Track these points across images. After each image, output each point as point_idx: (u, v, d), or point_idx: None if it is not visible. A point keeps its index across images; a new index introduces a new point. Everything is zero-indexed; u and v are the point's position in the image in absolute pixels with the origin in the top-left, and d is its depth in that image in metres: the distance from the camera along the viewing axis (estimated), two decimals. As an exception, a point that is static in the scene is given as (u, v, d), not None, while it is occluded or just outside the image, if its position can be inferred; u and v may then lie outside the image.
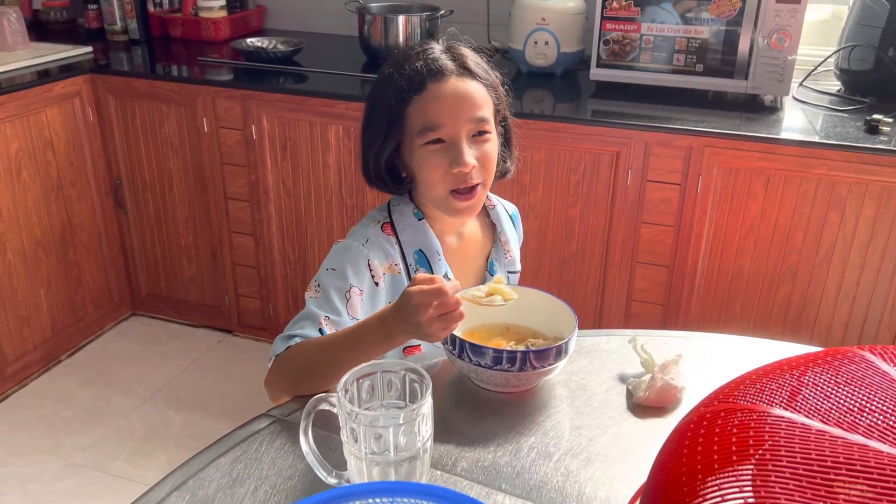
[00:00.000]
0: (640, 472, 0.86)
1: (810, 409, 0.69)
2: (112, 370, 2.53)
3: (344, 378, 0.79)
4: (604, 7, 2.12)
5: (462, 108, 1.10)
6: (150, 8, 2.80)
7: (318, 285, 1.11)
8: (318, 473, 0.83)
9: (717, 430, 0.69)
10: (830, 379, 0.73)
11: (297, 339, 1.04)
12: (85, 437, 2.23)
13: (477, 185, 1.12)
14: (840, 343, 2.00)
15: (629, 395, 1.01)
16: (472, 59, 1.14)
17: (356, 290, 1.11)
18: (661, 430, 0.95)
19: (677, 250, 2.04)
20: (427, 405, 0.77)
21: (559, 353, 0.97)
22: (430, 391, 0.78)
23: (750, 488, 0.60)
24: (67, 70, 2.41)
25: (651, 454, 0.91)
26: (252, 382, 2.45)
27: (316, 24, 2.88)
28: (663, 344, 1.07)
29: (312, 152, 2.30)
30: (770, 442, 0.65)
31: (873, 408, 0.63)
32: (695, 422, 0.71)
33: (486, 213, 1.28)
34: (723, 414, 0.70)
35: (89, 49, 2.59)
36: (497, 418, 0.97)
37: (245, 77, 2.38)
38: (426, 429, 0.78)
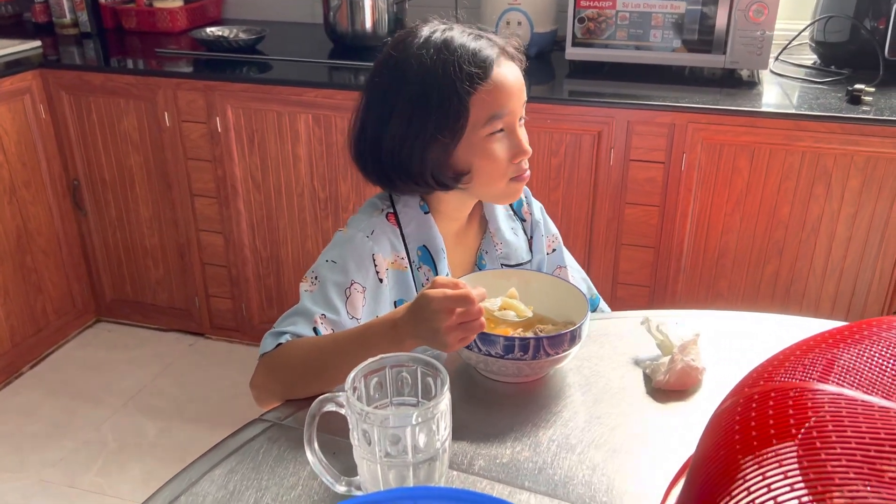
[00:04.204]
0: (669, 460, 0.81)
1: (857, 383, 0.65)
2: (78, 380, 2.41)
3: (351, 375, 0.72)
4: (578, -17, 2.06)
5: (520, 92, 1.04)
6: (102, -1, 2.67)
7: (316, 277, 1.03)
8: (325, 482, 0.76)
9: (770, 409, 0.63)
10: (873, 350, 0.68)
11: (288, 337, 0.97)
12: (53, 452, 2.11)
13: (527, 170, 1.08)
14: (829, 316, 1.98)
15: (646, 379, 0.96)
16: (509, 43, 1.06)
17: (358, 286, 1.03)
18: (684, 413, 0.90)
19: (663, 230, 2.00)
20: (445, 401, 0.71)
21: (573, 338, 0.91)
22: (447, 386, 0.71)
23: (802, 464, 0.56)
24: (15, 66, 2.28)
25: (677, 440, 0.86)
26: (228, 387, 2.36)
27: (276, 12, 2.78)
28: (674, 324, 1.02)
29: (281, 144, 2.21)
30: (816, 418, 0.61)
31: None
32: (742, 403, 0.66)
33: (480, 205, 1.20)
34: (772, 394, 0.65)
35: (38, 43, 2.45)
36: (510, 411, 0.90)
37: (207, 68, 2.27)
38: (445, 427, 0.72)
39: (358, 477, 0.76)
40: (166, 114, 2.25)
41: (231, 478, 0.81)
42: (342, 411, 0.73)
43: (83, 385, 2.39)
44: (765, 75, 2.11)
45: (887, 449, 0.56)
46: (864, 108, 1.82)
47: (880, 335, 0.70)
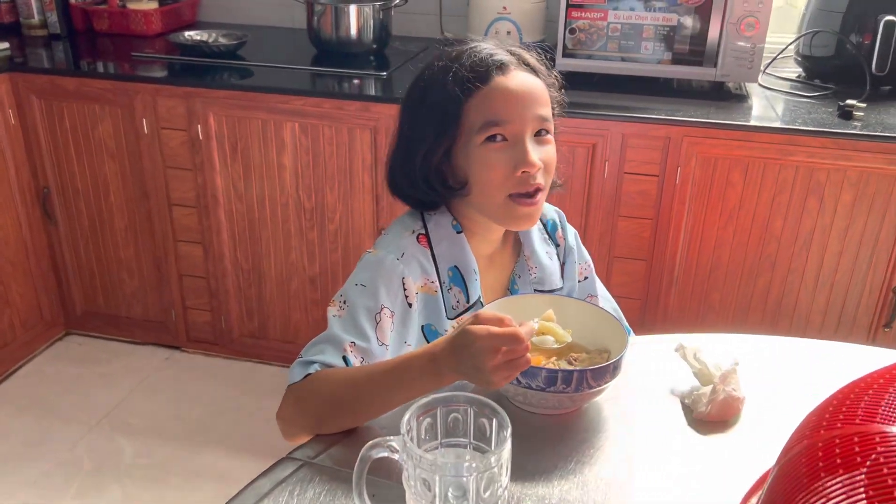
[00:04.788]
0: (722, 492, 0.79)
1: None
2: (49, 397, 2.31)
3: (405, 417, 0.68)
4: (571, -6, 2.04)
5: (528, 102, 1.00)
6: (72, -1, 2.57)
7: (345, 302, 0.99)
8: (374, 530, 0.72)
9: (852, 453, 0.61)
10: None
11: (317, 367, 0.92)
12: (26, 474, 2.01)
13: (539, 188, 1.02)
14: (819, 330, 2.00)
15: (685, 409, 0.94)
16: (532, 55, 1.05)
17: (387, 311, 0.99)
18: (728, 446, 0.88)
19: (656, 243, 2.00)
20: (508, 448, 0.67)
21: (615, 369, 0.88)
22: (509, 431, 0.67)
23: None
24: (-17, 69, 2.18)
25: (723, 473, 0.84)
26: (208, 402, 2.29)
27: (255, 16, 2.71)
28: (710, 351, 1.00)
29: (266, 152, 2.14)
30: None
31: None
32: (822, 447, 0.64)
33: None
34: (855, 437, 0.63)
35: (6, 45, 2.34)
36: (550, 446, 0.87)
37: (186, 73, 2.20)
38: (506, 473, 0.68)
39: (408, 525, 0.72)
40: (144, 120, 2.17)
41: (267, 523, 0.76)
42: (395, 457, 0.69)
43: (55, 402, 2.29)
44: (752, 88, 2.12)
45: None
46: (855, 123, 1.84)
47: None
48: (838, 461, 0.61)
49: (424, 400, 0.71)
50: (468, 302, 1.08)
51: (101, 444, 2.13)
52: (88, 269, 2.45)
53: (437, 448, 0.74)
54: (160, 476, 2.02)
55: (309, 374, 0.91)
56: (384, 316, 0.98)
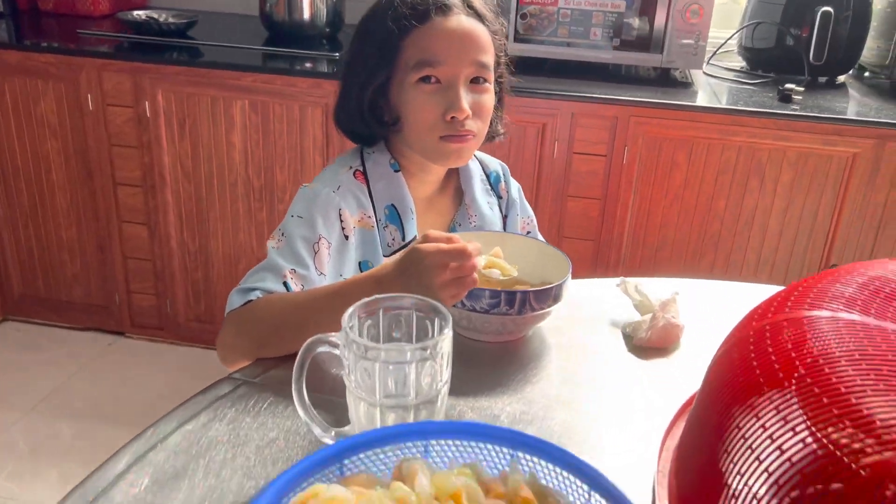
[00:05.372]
0: (662, 407, 0.80)
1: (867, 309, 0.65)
2: (-17, 381, 2.23)
3: (349, 312, 0.68)
4: (522, -22, 2.08)
5: (465, 46, 1.00)
6: (16, -22, 2.52)
7: (283, 234, 0.99)
8: (315, 433, 0.71)
9: (784, 337, 0.63)
10: (865, 280, 0.69)
11: (258, 294, 0.91)
12: (-45, 457, 1.94)
13: (469, 132, 1.02)
14: (760, 309, 2.04)
15: (626, 339, 0.95)
16: (479, 1, 1.04)
17: (325, 241, 0.99)
18: (666, 370, 0.89)
19: (603, 223, 2.03)
20: (449, 340, 0.67)
21: (558, 293, 0.89)
22: (450, 324, 0.67)
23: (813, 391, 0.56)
24: (-79, 40, 2.11)
25: (661, 394, 0.84)
26: (152, 386, 2.23)
27: (206, 2, 2.68)
28: (651, 285, 1.02)
29: (215, 130, 2.12)
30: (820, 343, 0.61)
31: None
32: (753, 336, 0.65)
33: (456, 174, 1.18)
34: (784, 323, 0.64)
35: (-55, 19, 2.28)
36: (494, 369, 0.87)
37: (136, 50, 2.17)
38: (447, 367, 0.68)
39: (348, 427, 0.71)
40: (89, 97, 2.13)
41: (204, 433, 0.74)
42: (336, 351, 0.68)
43: (-11, 387, 2.21)
44: (697, 77, 2.18)
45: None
46: (794, 106, 1.90)
47: (869, 269, 0.71)
48: (768, 342, 0.63)
49: (367, 299, 0.70)
50: (403, 240, 1.08)
51: (37, 428, 2.05)
52: (28, 250, 2.38)
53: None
54: (101, 458, 1.95)
55: (250, 300, 0.90)
56: (321, 246, 0.98)
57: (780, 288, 0.87)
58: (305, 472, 0.54)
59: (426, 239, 0.81)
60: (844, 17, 2.10)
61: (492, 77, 1.05)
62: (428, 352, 0.65)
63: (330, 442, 0.71)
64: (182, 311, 2.36)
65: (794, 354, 0.61)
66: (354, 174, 1.07)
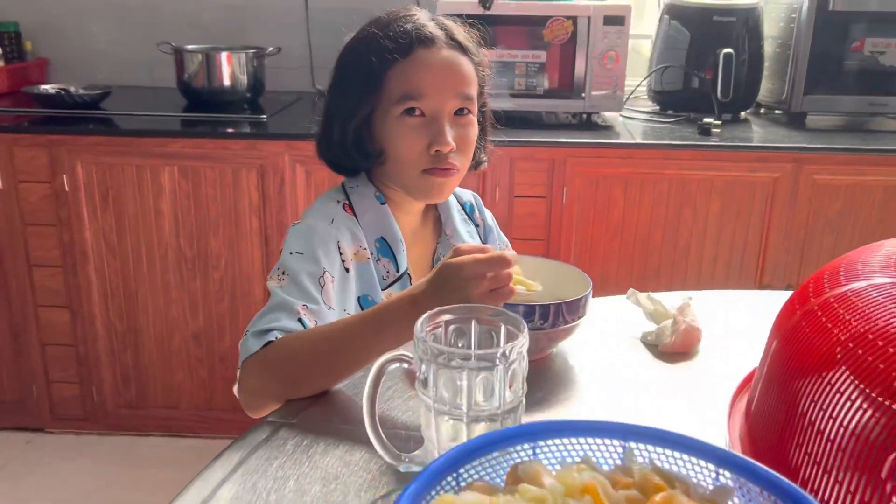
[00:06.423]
0: (707, 407, 0.80)
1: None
2: None
3: (419, 323, 0.65)
4: (446, 34, 2.13)
5: (449, 80, 0.99)
6: None
7: (284, 272, 0.93)
8: (386, 459, 0.66)
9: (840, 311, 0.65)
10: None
11: (277, 333, 0.85)
12: None
13: (454, 167, 1.02)
14: (704, 334, 2.11)
15: (649, 347, 0.95)
16: (462, 33, 1.04)
17: (329, 275, 0.95)
18: (697, 370, 0.90)
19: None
20: (526, 343, 0.65)
21: (586, 305, 0.89)
22: (526, 330, 0.65)
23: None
24: None
25: (702, 392, 0.85)
26: (79, 482, 2.04)
27: (110, 76, 2.57)
28: (655, 295, 1.03)
29: (142, 200, 2.02)
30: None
31: None
32: (815, 310, 0.67)
33: (435, 206, 1.17)
34: (832, 300, 0.67)
35: None
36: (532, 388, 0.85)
37: (49, 123, 2.06)
38: (525, 370, 0.65)
39: (419, 452, 0.67)
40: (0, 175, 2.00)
41: (256, 478, 0.68)
42: (406, 366, 0.65)
43: None
44: (616, 120, 2.28)
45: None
46: (714, 138, 2.02)
47: (877, 248, 0.75)
48: (841, 313, 0.65)
49: (431, 312, 0.67)
50: (398, 272, 1.06)
51: (-46, 543, 1.83)
52: (-71, 348, 2.16)
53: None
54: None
55: (269, 341, 0.85)
56: (327, 280, 0.95)
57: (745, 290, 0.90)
58: (426, 484, 0.51)
59: (458, 252, 0.79)
60: (742, 59, 2.27)
61: (475, 108, 1.05)
62: (515, 354, 0.63)
63: (403, 468, 0.67)
64: (110, 399, 2.20)
65: (855, 324, 0.64)
66: (343, 207, 1.04)
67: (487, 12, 2.10)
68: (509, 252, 0.79)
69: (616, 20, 2.12)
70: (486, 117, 1.13)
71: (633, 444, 0.57)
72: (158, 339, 2.14)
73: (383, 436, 0.66)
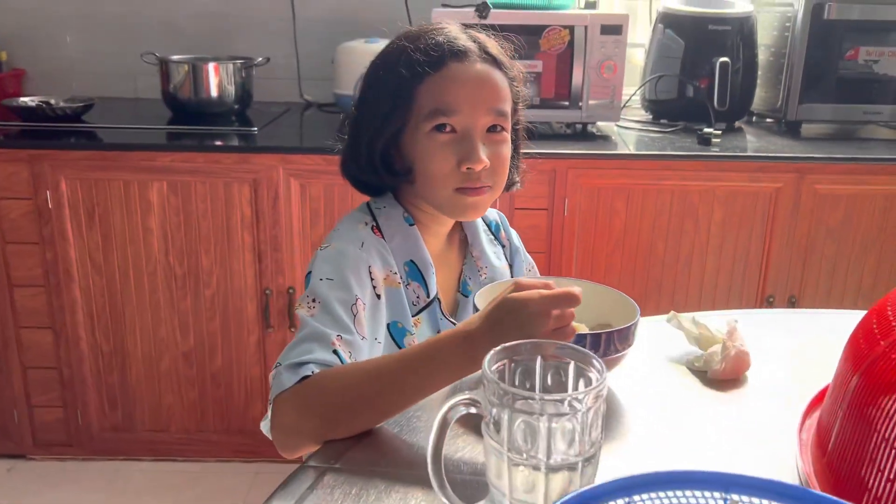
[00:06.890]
0: (769, 431, 0.76)
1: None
2: None
3: (485, 362, 0.60)
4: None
5: (482, 95, 0.95)
6: None
7: (314, 300, 0.88)
8: (451, 510, 0.61)
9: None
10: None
11: (313, 367, 0.80)
12: None
13: (486, 186, 0.97)
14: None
15: (696, 374, 0.91)
16: (495, 46, 1.00)
17: (361, 303, 0.90)
18: (751, 395, 0.87)
19: (550, 275, 2.01)
20: (606, 387, 0.60)
21: (634, 333, 0.85)
22: (604, 367, 0.61)
23: None
24: None
25: (760, 418, 0.81)
26: (67, 511, 1.95)
27: (91, 87, 2.47)
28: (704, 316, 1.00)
29: (129, 216, 1.95)
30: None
31: None
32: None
33: (461, 226, 1.12)
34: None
35: None
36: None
37: (31, 137, 1.97)
38: (604, 413, 0.61)
39: (484, 503, 0.62)
40: (-22, 191, 1.91)
41: (310, 535, 0.63)
42: (474, 411, 0.60)
43: None
44: (612, 130, 2.26)
45: None
46: (714, 147, 2.00)
47: None
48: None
49: (497, 349, 0.62)
50: (428, 297, 1.01)
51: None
52: None
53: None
54: None
55: (307, 375, 0.79)
56: (359, 308, 0.90)
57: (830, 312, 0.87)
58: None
59: (519, 287, 0.75)
60: (736, 68, 2.26)
61: (509, 125, 1.01)
62: (595, 397, 0.58)
63: (470, 522, 0.62)
64: (95, 422, 2.11)
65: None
66: (372, 230, 0.99)
67: (483, 21, 2.06)
68: (576, 288, 0.75)
69: (613, 29, 2.09)
70: (519, 135, 1.08)
71: (735, 497, 0.53)
72: (147, 360, 2.06)
73: (450, 491, 0.61)
